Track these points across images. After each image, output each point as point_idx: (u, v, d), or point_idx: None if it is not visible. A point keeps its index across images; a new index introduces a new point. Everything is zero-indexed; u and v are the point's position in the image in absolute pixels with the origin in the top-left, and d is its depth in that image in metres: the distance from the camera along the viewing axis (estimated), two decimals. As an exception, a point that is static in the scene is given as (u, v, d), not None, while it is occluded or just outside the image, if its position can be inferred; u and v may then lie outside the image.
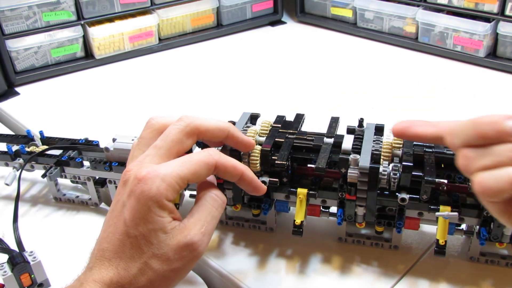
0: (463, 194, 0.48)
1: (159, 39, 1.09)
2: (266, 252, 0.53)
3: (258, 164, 0.49)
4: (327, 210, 0.53)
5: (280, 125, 0.53)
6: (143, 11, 1.05)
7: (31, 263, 0.48)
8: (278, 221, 0.56)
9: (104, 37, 1.01)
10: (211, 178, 0.46)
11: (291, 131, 0.52)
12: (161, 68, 1.02)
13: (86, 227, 0.60)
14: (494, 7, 0.92)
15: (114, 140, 0.58)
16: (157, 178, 0.39)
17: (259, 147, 0.49)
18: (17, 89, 0.95)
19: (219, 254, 0.53)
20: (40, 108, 0.88)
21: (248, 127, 0.53)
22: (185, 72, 1.00)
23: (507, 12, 0.91)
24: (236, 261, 0.52)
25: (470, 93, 0.88)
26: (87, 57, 1.02)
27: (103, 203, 0.63)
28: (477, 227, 0.48)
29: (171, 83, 0.96)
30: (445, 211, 0.46)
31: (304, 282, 0.50)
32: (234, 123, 0.53)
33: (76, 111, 0.87)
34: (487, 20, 0.94)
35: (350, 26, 1.14)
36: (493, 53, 0.96)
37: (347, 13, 1.14)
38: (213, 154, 0.42)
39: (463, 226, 0.50)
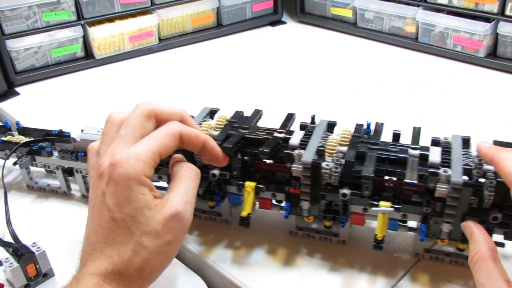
0: (409, 192, 0.48)
1: (159, 39, 1.09)
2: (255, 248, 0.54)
3: None
4: (280, 203, 0.54)
5: (236, 120, 0.55)
6: (143, 11, 1.05)
7: (36, 253, 0.49)
8: (235, 213, 0.57)
9: (104, 37, 1.01)
10: (179, 157, 0.47)
11: (244, 126, 0.53)
12: (161, 68, 1.02)
13: (71, 217, 0.61)
14: (494, 7, 0.92)
15: (82, 131, 0.60)
16: (131, 158, 0.40)
17: None
18: (17, 89, 0.95)
19: (217, 253, 0.54)
20: (40, 108, 0.88)
21: (205, 121, 0.54)
22: (185, 72, 1.00)
23: (507, 12, 0.91)
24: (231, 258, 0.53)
25: (470, 93, 0.88)
26: (87, 57, 1.02)
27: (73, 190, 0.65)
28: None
29: (171, 83, 0.96)
30: (385, 207, 0.46)
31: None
32: (193, 117, 0.54)
33: (76, 111, 0.87)
34: (487, 20, 0.94)
35: (350, 26, 1.14)
36: (493, 53, 0.96)
37: (347, 13, 1.14)
38: (176, 124, 0.44)
39: (414, 224, 0.50)
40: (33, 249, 0.49)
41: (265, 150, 0.48)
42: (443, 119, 0.79)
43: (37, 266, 0.50)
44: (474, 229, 0.43)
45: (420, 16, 1.01)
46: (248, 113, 0.57)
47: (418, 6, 1.02)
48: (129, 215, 0.39)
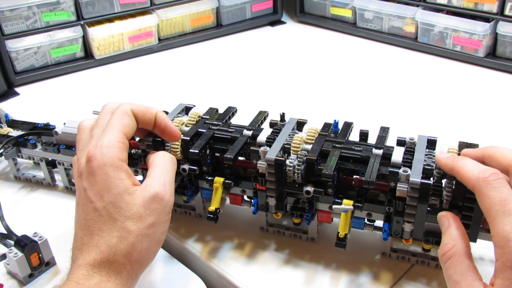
0: (372, 190, 0.49)
1: (159, 39, 1.09)
2: (259, 250, 0.54)
3: (180, 152, 0.51)
4: (251, 199, 0.54)
5: (208, 116, 0.56)
6: (143, 11, 1.05)
7: (39, 242, 0.50)
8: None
9: (103, 37, 1.01)
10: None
11: (215, 122, 0.54)
12: (160, 68, 1.03)
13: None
14: (493, 7, 0.92)
15: (64, 124, 0.61)
16: (101, 148, 0.42)
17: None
18: (17, 89, 0.95)
19: (213, 252, 0.54)
20: (40, 109, 0.88)
21: (178, 117, 0.55)
22: (185, 72, 1.01)
23: (507, 12, 0.91)
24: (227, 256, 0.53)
25: (470, 93, 0.88)
26: (87, 57, 1.03)
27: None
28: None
29: (171, 83, 0.96)
30: (348, 205, 0.46)
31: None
32: (167, 113, 0.56)
33: (76, 111, 0.87)
34: (487, 20, 0.94)
35: (350, 26, 1.14)
36: (492, 53, 0.96)
37: (347, 13, 1.14)
38: (124, 104, 0.46)
39: (380, 223, 0.49)
40: (36, 239, 0.50)
41: (228, 156, 0.49)
42: (443, 119, 0.79)
43: (40, 255, 0.51)
44: (452, 222, 0.41)
45: (420, 16, 1.01)
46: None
47: (417, 6, 1.02)
48: (110, 202, 0.40)
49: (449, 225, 0.41)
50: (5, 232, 0.54)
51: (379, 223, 0.50)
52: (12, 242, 0.51)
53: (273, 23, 1.23)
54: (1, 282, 0.50)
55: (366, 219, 0.50)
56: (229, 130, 0.53)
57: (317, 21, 1.20)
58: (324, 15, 1.19)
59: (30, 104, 0.91)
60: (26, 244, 0.49)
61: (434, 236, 0.46)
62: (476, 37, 0.94)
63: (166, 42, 1.10)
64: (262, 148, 0.48)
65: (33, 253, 0.50)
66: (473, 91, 0.88)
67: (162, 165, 0.45)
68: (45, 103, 0.91)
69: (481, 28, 0.93)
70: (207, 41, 1.14)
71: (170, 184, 0.44)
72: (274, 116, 0.56)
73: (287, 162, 0.48)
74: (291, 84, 0.94)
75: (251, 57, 1.07)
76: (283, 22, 1.24)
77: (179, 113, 0.57)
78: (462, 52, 0.97)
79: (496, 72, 0.94)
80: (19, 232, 0.52)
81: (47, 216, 0.61)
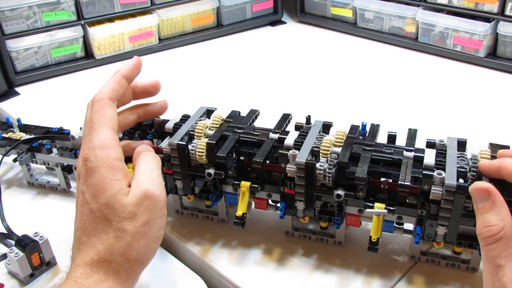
0: (404, 194, 0.48)
1: (159, 39, 1.09)
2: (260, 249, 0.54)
3: (205, 156, 0.51)
4: (276, 203, 0.53)
5: (231, 120, 0.55)
6: (143, 11, 1.05)
7: (40, 242, 0.50)
8: (231, 213, 0.57)
9: (104, 37, 1.01)
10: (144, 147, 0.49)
11: (240, 125, 0.54)
12: (161, 68, 1.02)
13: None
14: (494, 7, 0.92)
15: (81, 128, 0.60)
16: (94, 150, 0.42)
17: (206, 140, 0.51)
18: (17, 89, 0.95)
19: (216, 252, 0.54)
20: (40, 108, 0.88)
21: (201, 120, 0.55)
22: (185, 72, 1.00)
23: (507, 12, 0.91)
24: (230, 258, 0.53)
25: (470, 93, 0.88)
26: (87, 57, 1.02)
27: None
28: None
29: (171, 83, 0.96)
30: (380, 208, 0.46)
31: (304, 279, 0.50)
32: (189, 116, 0.56)
33: (77, 111, 0.86)
34: (487, 20, 0.94)
35: (350, 26, 1.14)
36: (493, 53, 0.96)
37: (347, 13, 1.14)
38: (97, 96, 0.46)
39: (411, 226, 0.49)
40: (36, 238, 0.50)
41: (257, 160, 0.48)
42: (443, 119, 0.79)
43: (41, 255, 0.51)
44: (498, 198, 0.37)
45: (420, 16, 1.01)
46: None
47: (418, 6, 1.02)
48: (104, 204, 0.40)
49: (494, 201, 0.37)
50: (5, 232, 0.54)
51: (406, 225, 0.49)
52: (13, 242, 0.51)
53: (273, 23, 1.23)
54: (2, 282, 0.50)
55: (395, 222, 0.49)
56: (254, 133, 0.53)
57: (317, 21, 1.20)
58: (325, 15, 1.19)
59: (30, 104, 0.90)
60: (27, 244, 0.49)
61: (467, 239, 0.46)
62: (476, 37, 0.94)
63: (167, 42, 1.09)
64: (291, 152, 0.48)
65: (34, 253, 0.50)
66: (473, 91, 0.88)
67: (146, 164, 0.45)
68: (46, 103, 0.90)
69: (481, 28, 0.93)
70: (208, 41, 1.14)
71: (158, 181, 0.44)
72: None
73: (318, 165, 0.47)
74: (292, 84, 0.94)
75: (252, 57, 1.07)
76: (284, 22, 1.24)
77: (201, 116, 0.56)
78: (462, 52, 0.97)
79: (497, 72, 0.94)
80: (20, 232, 0.52)
81: (48, 215, 0.60)
